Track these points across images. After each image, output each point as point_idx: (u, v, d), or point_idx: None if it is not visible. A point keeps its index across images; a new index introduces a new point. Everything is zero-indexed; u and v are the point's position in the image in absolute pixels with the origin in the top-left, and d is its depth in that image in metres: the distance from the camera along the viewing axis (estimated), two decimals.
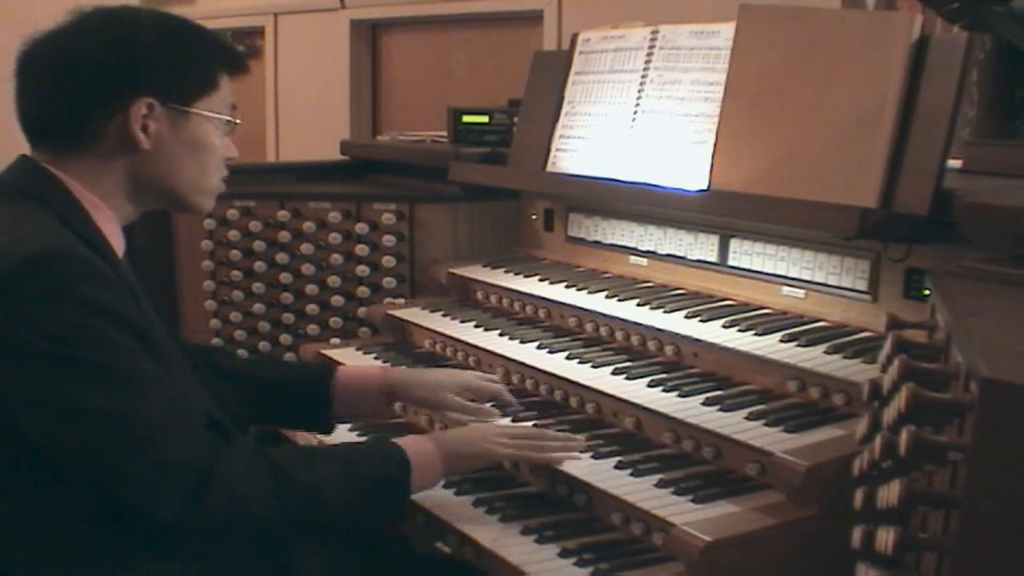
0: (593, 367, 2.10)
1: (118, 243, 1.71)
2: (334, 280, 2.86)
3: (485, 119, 2.98)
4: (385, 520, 1.84)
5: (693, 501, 1.68)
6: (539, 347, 2.25)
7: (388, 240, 2.82)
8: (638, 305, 2.24)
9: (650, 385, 1.98)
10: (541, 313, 2.46)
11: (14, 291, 1.50)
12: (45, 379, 1.50)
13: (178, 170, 1.73)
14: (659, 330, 2.13)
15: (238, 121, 1.81)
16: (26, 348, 1.49)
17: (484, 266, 2.72)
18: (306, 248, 2.89)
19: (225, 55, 1.79)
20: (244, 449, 1.66)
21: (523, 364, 2.21)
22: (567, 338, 2.30)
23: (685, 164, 2.24)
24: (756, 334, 2.00)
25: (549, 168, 2.59)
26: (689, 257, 2.34)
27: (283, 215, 2.91)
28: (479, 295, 2.66)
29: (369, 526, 1.88)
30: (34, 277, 1.51)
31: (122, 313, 1.56)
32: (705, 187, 2.17)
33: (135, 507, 1.58)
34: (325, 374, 2.09)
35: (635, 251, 2.49)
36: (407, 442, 1.81)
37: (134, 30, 1.70)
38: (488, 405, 2.09)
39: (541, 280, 2.52)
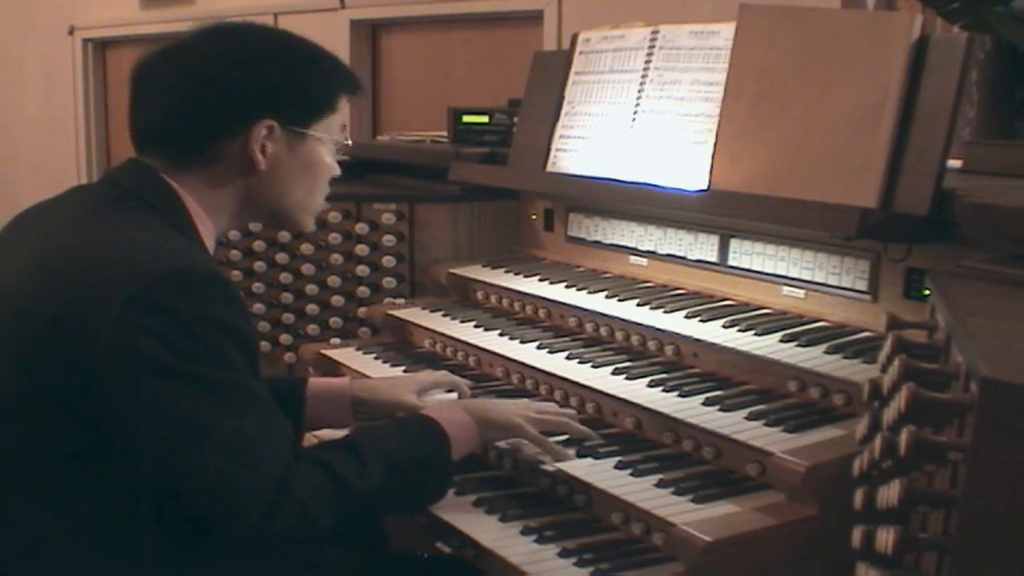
0: (593, 367, 2.10)
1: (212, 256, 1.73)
2: (334, 280, 2.87)
3: (485, 119, 2.98)
4: (428, 502, 1.84)
5: (693, 501, 1.68)
6: (539, 347, 2.25)
7: (388, 240, 2.82)
8: (638, 305, 2.24)
9: (650, 385, 1.98)
10: (541, 313, 2.46)
11: (153, 304, 1.49)
12: (166, 392, 1.49)
13: (290, 191, 1.75)
14: (659, 330, 2.13)
15: (349, 142, 1.83)
16: (154, 361, 1.48)
17: (484, 266, 2.72)
18: (306, 248, 2.89)
19: (344, 78, 1.80)
20: (310, 461, 1.67)
21: (523, 364, 2.21)
22: (567, 338, 2.30)
23: (685, 164, 2.24)
24: (756, 334, 2.00)
25: (549, 168, 2.59)
26: (689, 257, 2.34)
27: None
28: (479, 295, 2.66)
29: (411, 510, 1.89)
30: (176, 293, 1.50)
31: (245, 335, 1.58)
32: (705, 187, 2.17)
33: (211, 520, 1.59)
34: (296, 386, 2.09)
35: (635, 251, 2.49)
36: (443, 415, 1.85)
37: (261, 51, 1.71)
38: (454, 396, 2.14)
39: (541, 280, 2.52)
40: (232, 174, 1.70)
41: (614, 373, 2.06)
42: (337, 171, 1.84)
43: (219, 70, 1.67)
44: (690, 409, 1.87)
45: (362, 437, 1.81)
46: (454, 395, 2.15)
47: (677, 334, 2.09)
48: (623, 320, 2.20)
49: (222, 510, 1.57)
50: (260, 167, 1.69)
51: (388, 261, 2.83)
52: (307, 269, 2.89)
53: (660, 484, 1.75)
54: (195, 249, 1.63)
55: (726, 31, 2.21)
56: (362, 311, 2.83)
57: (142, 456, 1.53)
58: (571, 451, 1.90)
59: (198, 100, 1.66)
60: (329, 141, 1.78)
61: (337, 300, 2.88)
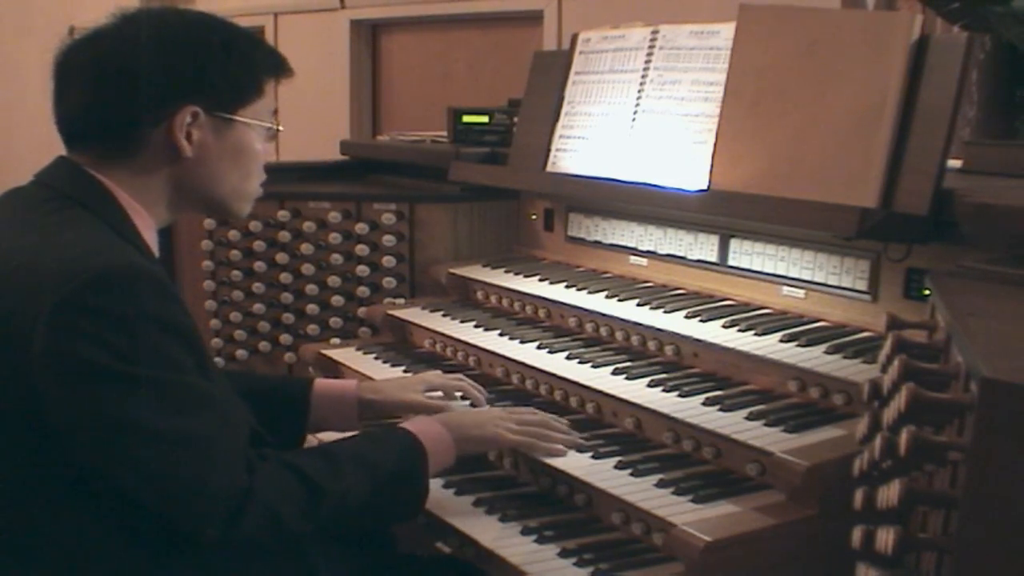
0: (593, 367, 2.10)
1: (155, 250, 1.69)
2: (334, 280, 2.87)
3: (485, 119, 2.98)
4: (403, 515, 1.82)
5: (693, 501, 1.68)
6: (539, 347, 2.25)
7: (388, 240, 2.82)
8: (638, 305, 2.24)
9: (650, 385, 1.98)
10: (541, 313, 2.46)
11: (84, 306, 1.45)
12: (106, 396, 1.46)
13: (220, 177, 1.71)
14: (659, 330, 2.13)
15: (280, 128, 1.78)
16: (91, 364, 1.45)
17: (484, 266, 2.72)
18: (306, 248, 2.89)
19: (270, 60, 1.76)
20: (276, 463, 1.64)
21: (523, 364, 2.21)
22: (567, 338, 2.30)
23: (685, 164, 2.24)
24: (756, 334, 2.00)
25: (549, 168, 2.59)
26: (689, 257, 2.34)
27: (283, 215, 2.91)
28: (479, 295, 2.66)
29: (386, 523, 1.86)
30: (106, 293, 1.47)
31: (186, 330, 1.54)
32: (705, 187, 2.17)
33: (174, 524, 1.55)
34: (302, 387, 2.06)
35: (635, 251, 2.49)
36: (420, 428, 1.82)
37: (180, 36, 1.67)
38: (459, 399, 2.12)
39: (541, 280, 2.52)
40: (159, 163, 1.66)
41: (614, 373, 2.06)
42: (271, 156, 1.79)
43: (134, 57, 1.63)
44: (690, 409, 1.87)
45: (336, 444, 1.79)
46: (464, 400, 2.13)
47: (677, 334, 2.09)
48: (623, 320, 2.20)
49: (183, 515, 1.54)
50: (186, 154, 1.65)
51: (388, 261, 2.83)
52: (307, 269, 2.89)
53: (660, 484, 1.75)
54: (125, 246, 1.58)
55: (726, 31, 2.21)
56: (362, 311, 2.83)
57: (96, 463, 1.50)
58: (563, 450, 1.90)
59: (115, 90, 1.62)
60: (259, 126, 1.73)
61: (337, 300, 2.88)
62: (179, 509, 1.54)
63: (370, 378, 2.34)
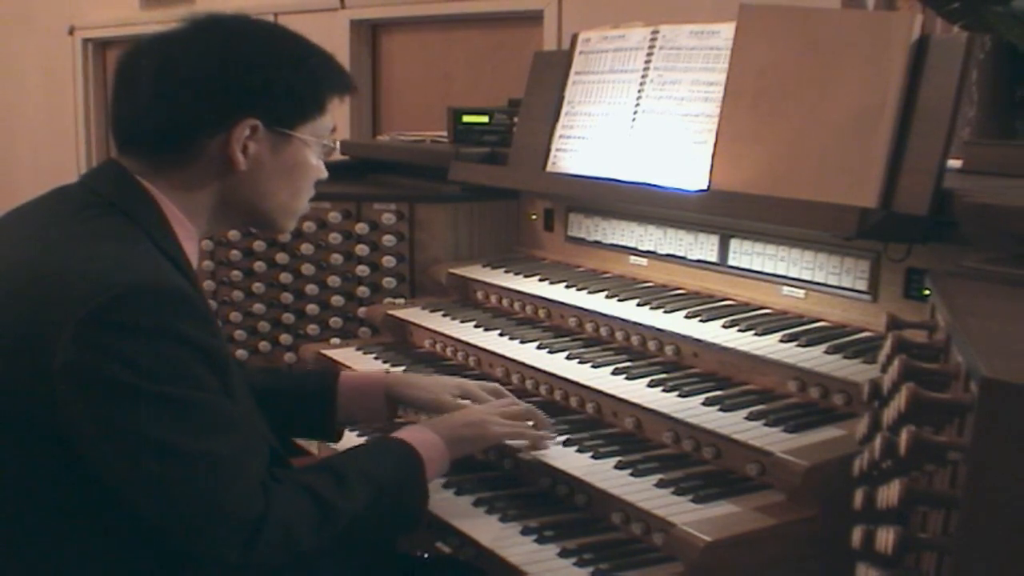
0: (593, 367, 2.10)
1: (195, 261, 1.67)
2: (334, 280, 2.86)
3: (485, 119, 2.98)
4: (404, 528, 1.80)
5: (693, 501, 1.68)
6: (539, 347, 2.25)
7: (388, 240, 2.82)
8: (638, 305, 2.24)
9: (650, 385, 1.98)
10: (541, 313, 2.45)
11: (109, 322, 1.44)
12: (126, 413, 1.44)
13: (270, 193, 1.69)
14: (659, 330, 2.13)
15: (336, 146, 1.76)
16: (113, 381, 1.43)
17: (484, 266, 2.72)
18: (306, 248, 2.89)
19: (335, 78, 1.73)
20: (290, 484, 1.62)
21: (523, 364, 2.21)
22: (567, 338, 2.29)
23: (685, 164, 2.24)
24: (756, 334, 2.00)
25: (549, 168, 2.59)
26: (689, 257, 2.34)
27: None
28: (479, 295, 2.66)
29: (388, 536, 1.85)
30: (132, 309, 1.45)
31: (213, 351, 1.52)
32: (705, 187, 2.17)
33: (190, 547, 1.53)
34: (329, 381, 2.04)
35: (635, 251, 2.49)
36: (414, 437, 1.80)
37: (247, 46, 1.65)
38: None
39: (541, 280, 2.52)
40: (210, 174, 1.64)
41: (614, 373, 2.06)
42: (324, 173, 1.77)
43: (200, 65, 1.61)
44: (690, 409, 1.87)
45: (342, 459, 1.78)
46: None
47: (677, 334, 2.09)
48: (623, 320, 2.20)
49: (199, 538, 1.52)
50: (240, 167, 1.63)
51: (388, 261, 2.83)
52: (307, 269, 2.89)
53: (660, 484, 1.75)
54: (160, 261, 1.56)
55: (726, 31, 2.21)
56: (362, 311, 2.83)
57: (112, 481, 1.49)
58: (552, 435, 1.91)
59: (178, 97, 1.60)
60: (316, 144, 1.71)
61: (337, 300, 2.88)
62: (195, 531, 1.51)
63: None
